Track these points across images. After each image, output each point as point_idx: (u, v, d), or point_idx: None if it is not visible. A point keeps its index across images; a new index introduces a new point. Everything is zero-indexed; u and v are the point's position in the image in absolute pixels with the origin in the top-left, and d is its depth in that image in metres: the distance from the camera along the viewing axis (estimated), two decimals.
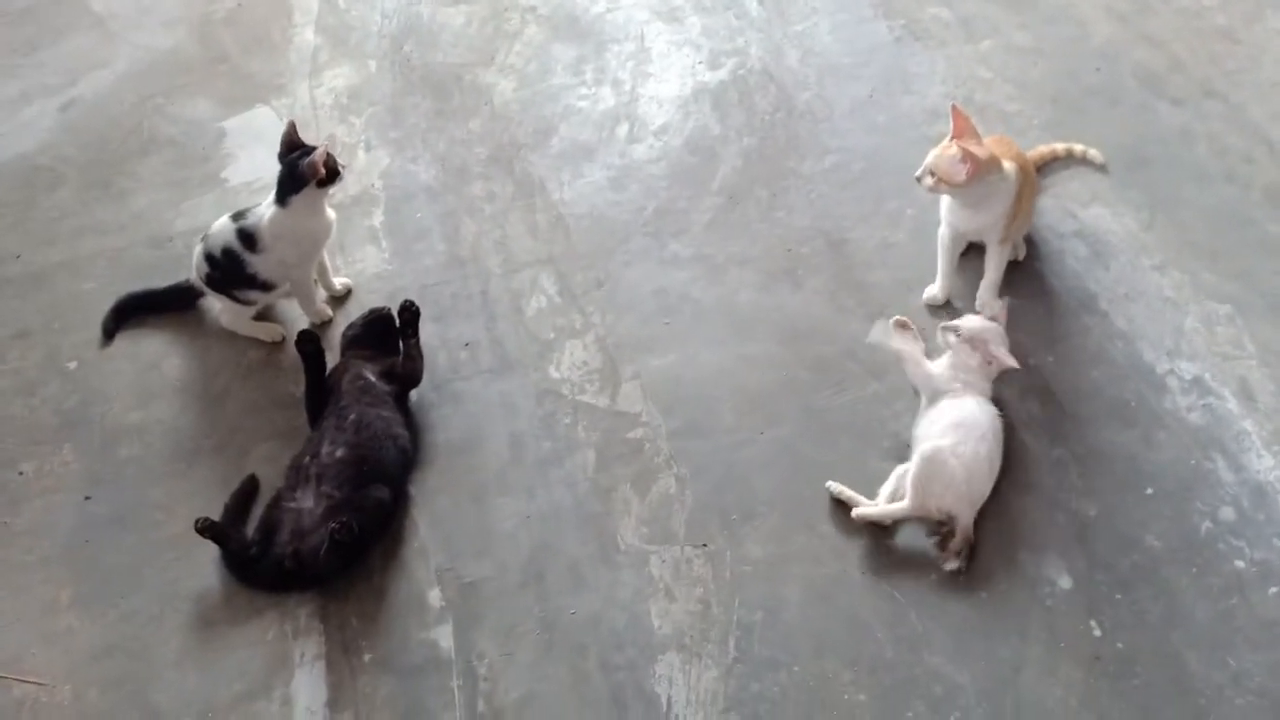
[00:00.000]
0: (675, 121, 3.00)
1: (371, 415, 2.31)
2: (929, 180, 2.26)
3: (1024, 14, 3.10)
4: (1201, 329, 2.36)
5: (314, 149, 2.43)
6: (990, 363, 2.18)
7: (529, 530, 2.25)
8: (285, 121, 2.53)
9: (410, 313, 2.50)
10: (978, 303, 2.45)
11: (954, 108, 2.25)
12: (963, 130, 2.24)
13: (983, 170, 2.20)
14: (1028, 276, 2.51)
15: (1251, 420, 2.21)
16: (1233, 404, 2.23)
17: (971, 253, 2.48)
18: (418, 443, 2.39)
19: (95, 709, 2.09)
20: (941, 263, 2.46)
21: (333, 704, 2.05)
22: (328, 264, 2.68)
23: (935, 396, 2.20)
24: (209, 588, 2.23)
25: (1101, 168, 2.68)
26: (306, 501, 2.20)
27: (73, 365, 2.67)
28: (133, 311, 2.72)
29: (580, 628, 2.10)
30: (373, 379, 2.38)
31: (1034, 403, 2.30)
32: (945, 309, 2.48)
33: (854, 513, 2.14)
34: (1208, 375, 2.29)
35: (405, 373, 2.43)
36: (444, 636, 2.12)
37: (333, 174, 2.46)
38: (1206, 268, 2.47)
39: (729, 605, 2.09)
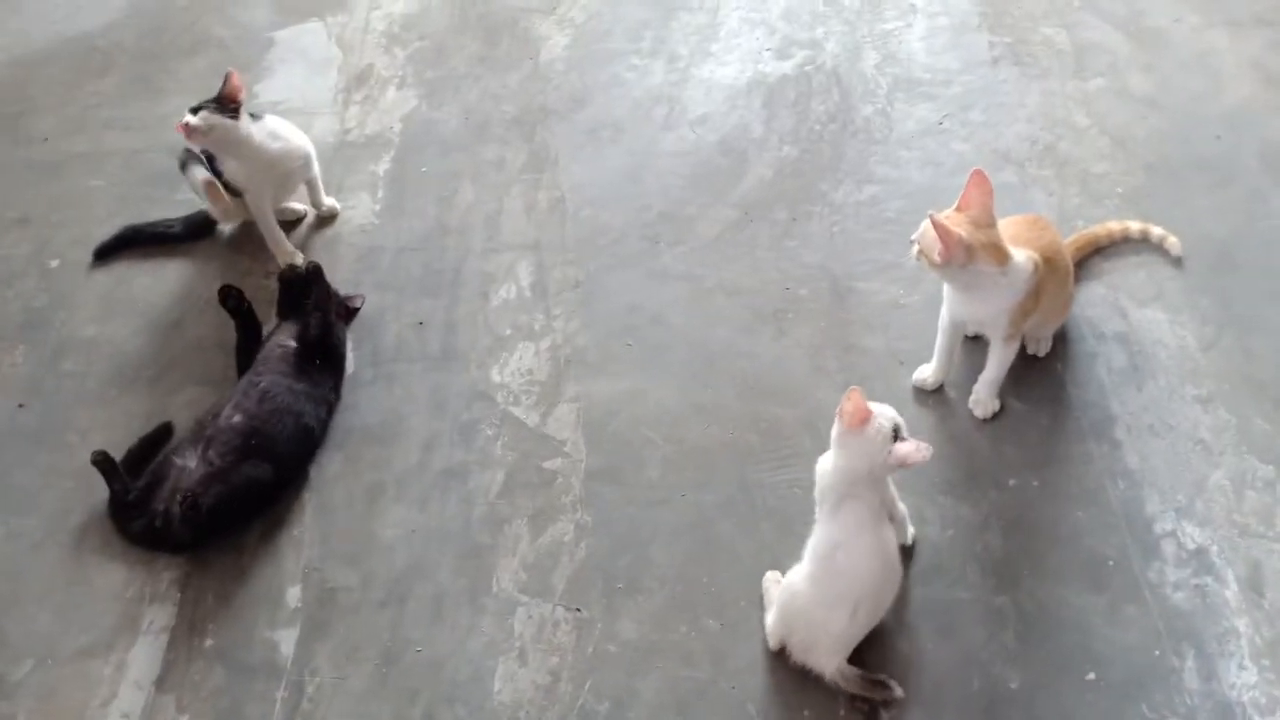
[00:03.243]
0: (718, 113, 2.70)
1: (281, 386, 2.18)
2: (914, 250, 1.91)
3: (1153, 54, 2.61)
4: (1229, 489, 1.94)
5: None
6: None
7: (410, 546, 2.08)
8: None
9: (313, 272, 2.34)
10: (971, 399, 2.10)
11: (976, 172, 1.85)
12: (970, 202, 1.86)
13: (959, 258, 1.82)
14: (1043, 376, 2.14)
15: (1248, 620, 1.80)
16: (1233, 592, 1.83)
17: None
18: (330, 422, 2.25)
19: None
20: (938, 345, 2.11)
21: (160, 683, 1.97)
22: (319, 183, 2.61)
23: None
24: (93, 527, 2.17)
25: (1176, 261, 2.24)
26: (191, 462, 2.11)
27: (54, 263, 2.65)
28: (133, 244, 2.67)
29: (421, 670, 1.93)
30: (293, 344, 2.24)
31: (995, 534, 1.96)
32: (935, 395, 2.14)
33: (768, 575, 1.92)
34: (1215, 549, 1.88)
35: (299, 338, 2.27)
36: (287, 641, 1.99)
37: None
38: (1263, 415, 2.02)
39: (579, 686, 1.88)
